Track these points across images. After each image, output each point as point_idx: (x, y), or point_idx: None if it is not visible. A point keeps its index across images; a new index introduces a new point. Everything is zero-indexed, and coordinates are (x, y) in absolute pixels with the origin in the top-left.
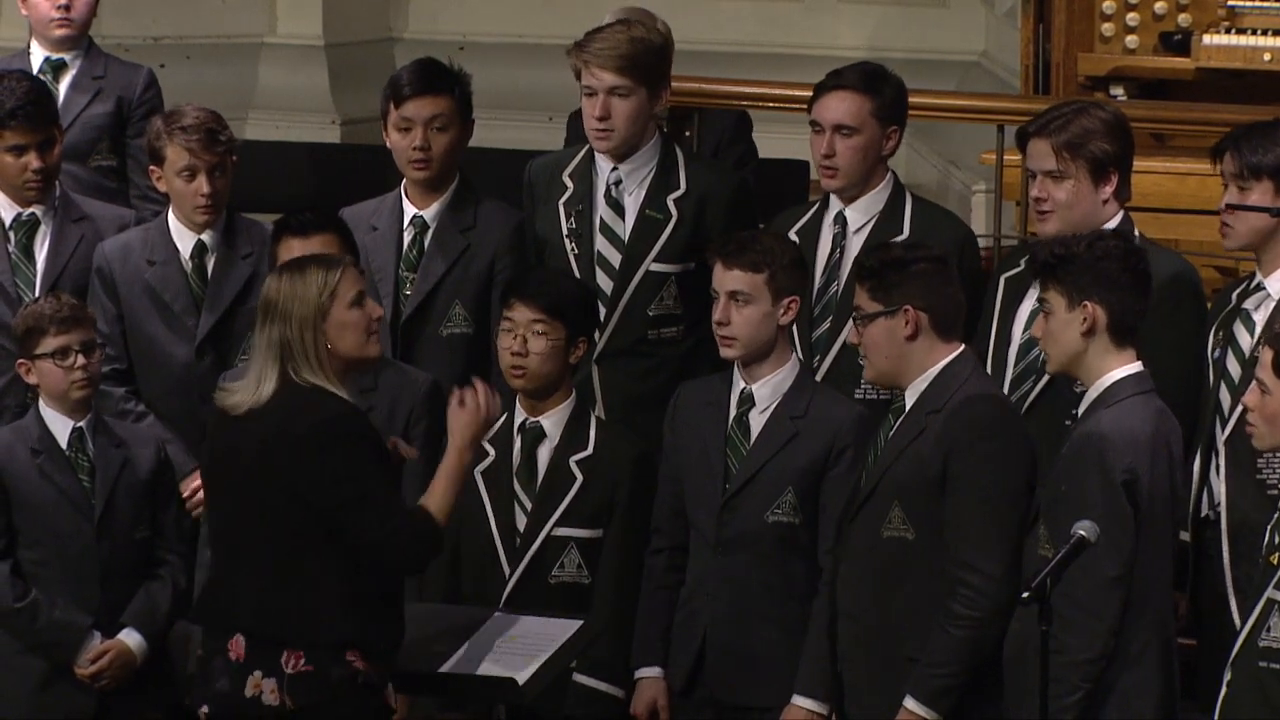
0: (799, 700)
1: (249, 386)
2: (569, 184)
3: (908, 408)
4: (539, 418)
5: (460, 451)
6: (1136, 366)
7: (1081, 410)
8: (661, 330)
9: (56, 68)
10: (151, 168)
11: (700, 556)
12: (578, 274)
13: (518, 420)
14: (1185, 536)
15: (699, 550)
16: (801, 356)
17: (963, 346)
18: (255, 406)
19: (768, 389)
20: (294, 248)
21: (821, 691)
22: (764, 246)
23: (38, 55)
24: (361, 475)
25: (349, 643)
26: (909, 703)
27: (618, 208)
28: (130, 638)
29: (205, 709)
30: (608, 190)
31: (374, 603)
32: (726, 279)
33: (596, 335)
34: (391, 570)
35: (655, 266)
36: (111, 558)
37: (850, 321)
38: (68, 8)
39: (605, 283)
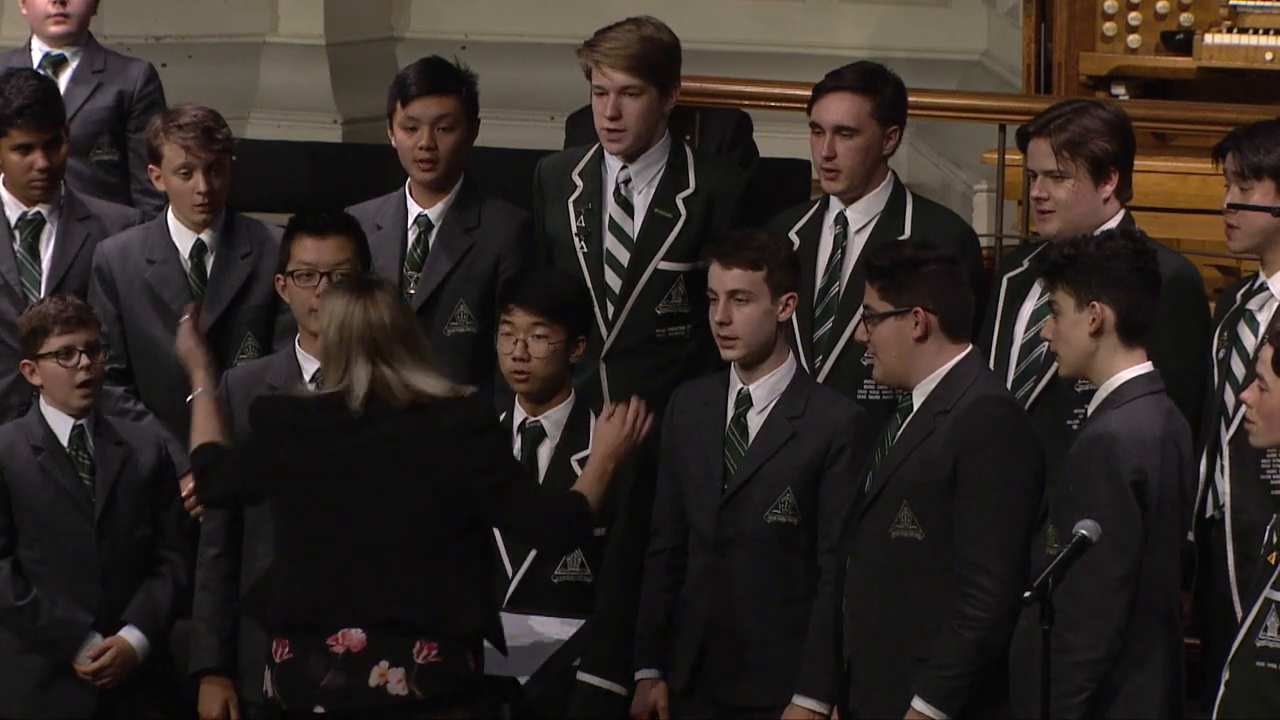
0: (800, 700)
1: (378, 392)
2: (578, 182)
3: (915, 408)
4: (539, 417)
5: (603, 460)
6: (1146, 366)
7: (1091, 410)
8: (669, 329)
9: (56, 63)
10: (150, 166)
11: (699, 557)
12: (586, 272)
13: (517, 420)
14: (1189, 536)
15: (698, 551)
16: (804, 357)
17: (970, 347)
18: (388, 406)
19: (765, 389)
20: (308, 247)
21: (822, 691)
22: (760, 244)
23: (38, 51)
24: (512, 458)
25: (479, 634)
26: (917, 704)
27: (627, 206)
28: (131, 635)
29: (319, 709)
30: (617, 189)
31: (492, 598)
32: (726, 278)
33: (604, 334)
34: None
35: (664, 265)
36: (112, 556)
37: (857, 318)
38: (64, 3)
39: (614, 281)
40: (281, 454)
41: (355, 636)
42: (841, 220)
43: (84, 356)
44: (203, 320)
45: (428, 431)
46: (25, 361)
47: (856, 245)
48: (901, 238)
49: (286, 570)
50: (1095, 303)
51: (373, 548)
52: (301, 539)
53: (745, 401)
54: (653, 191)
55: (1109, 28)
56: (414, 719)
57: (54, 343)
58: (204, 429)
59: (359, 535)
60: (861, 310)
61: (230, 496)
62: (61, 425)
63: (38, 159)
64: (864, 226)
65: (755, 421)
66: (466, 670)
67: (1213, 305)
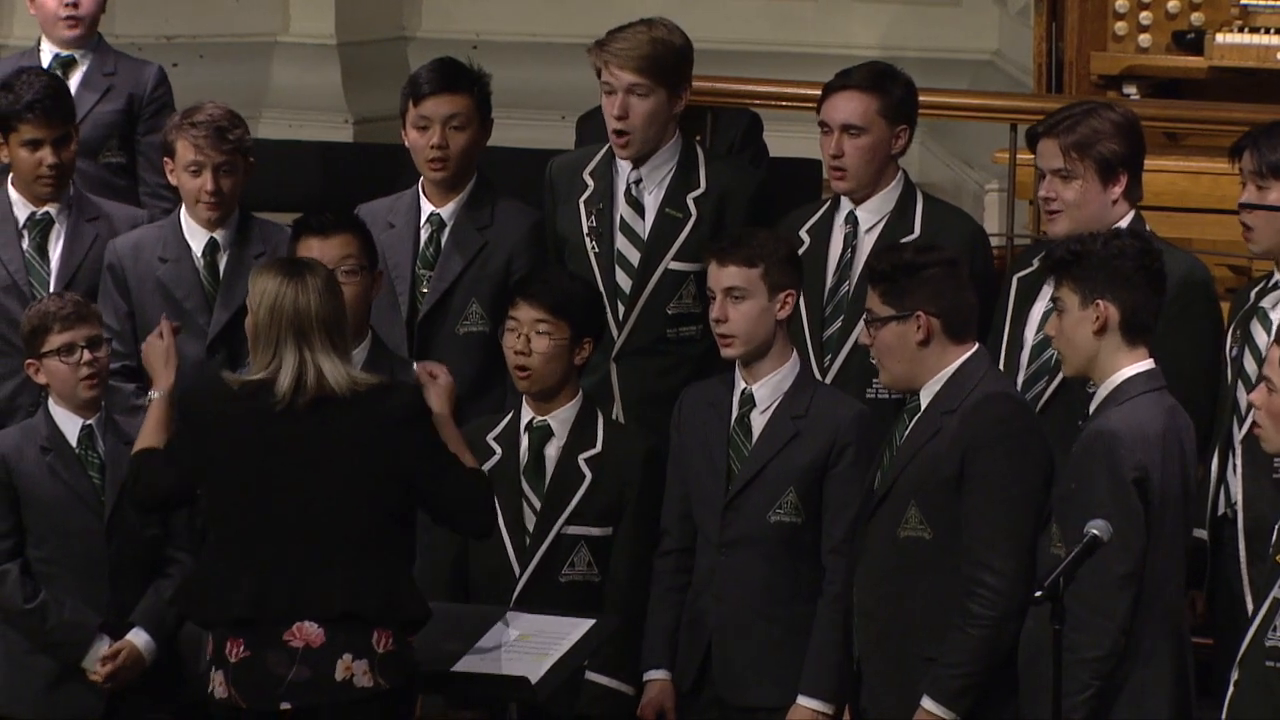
0: (804, 700)
1: (315, 379)
2: (589, 182)
3: (923, 408)
4: (546, 416)
5: (451, 419)
6: (1148, 364)
7: (1093, 408)
8: (680, 329)
9: (66, 64)
10: (165, 159)
11: (705, 557)
12: (598, 272)
13: (525, 419)
14: (1203, 535)
15: (704, 551)
16: (814, 356)
17: (976, 345)
18: (320, 396)
19: (768, 389)
20: (313, 247)
21: (827, 691)
22: (758, 242)
23: (47, 53)
24: (442, 443)
25: (421, 619)
26: (927, 703)
27: (638, 206)
28: (139, 638)
29: (286, 705)
30: (628, 189)
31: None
32: (722, 276)
33: (614, 333)
34: (474, 530)
35: (674, 265)
36: (121, 556)
37: (862, 322)
38: (75, 5)
39: (625, 281)
40: (209, 445)
41: (311, 630)
42: (852, 219)
43: (86, 351)
44: (215, 320)
45: (366, 422)
46: (30, 361)
47: (867, 244)
48: (910, 238)
49: (225, 566)
50: (1100, 301)
51: (319, 540)
52: (240, 533)
53: (749, 401)
54: (663, 192)
55: (1120, 27)
56: (380, 709)
57: (55, 340)
58: (151, 434)
59: (303, 528)
60: (864, 314)
61: (162, 497)
62: (69, 425)
63: (47, 155)
64: (874, 226)
65: (759, 421)
66: (415, 657)
67: (1225, 305)
